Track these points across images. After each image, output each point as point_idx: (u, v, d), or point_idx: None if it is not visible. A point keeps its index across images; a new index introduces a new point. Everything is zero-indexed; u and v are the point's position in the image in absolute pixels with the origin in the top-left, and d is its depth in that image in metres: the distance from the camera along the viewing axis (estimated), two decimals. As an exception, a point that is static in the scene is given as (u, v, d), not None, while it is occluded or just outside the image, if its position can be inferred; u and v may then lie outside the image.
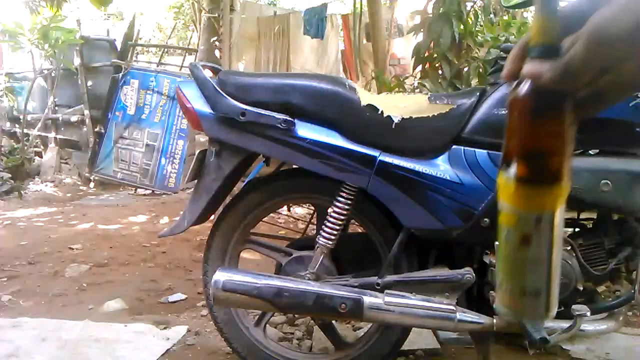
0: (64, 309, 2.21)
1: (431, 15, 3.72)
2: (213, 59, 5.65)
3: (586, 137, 1.28)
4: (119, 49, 5.74)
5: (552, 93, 0.42)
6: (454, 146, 1.33)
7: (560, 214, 0.45)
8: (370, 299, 1.31)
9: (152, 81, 5.27)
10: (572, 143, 0.43)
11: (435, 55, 3.68)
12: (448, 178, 1.31)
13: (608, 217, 1.37)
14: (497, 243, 0.49)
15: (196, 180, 1.50)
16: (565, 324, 1.28)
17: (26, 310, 2.16)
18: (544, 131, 0.43)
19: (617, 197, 1.24)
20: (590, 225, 1.42)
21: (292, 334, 1.93)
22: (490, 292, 1.34)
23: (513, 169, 0.44)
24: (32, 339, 1.84)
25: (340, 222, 1.41)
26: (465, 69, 3.65)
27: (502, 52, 1.53)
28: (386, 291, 1.34)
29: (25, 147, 5.61)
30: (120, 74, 5.32)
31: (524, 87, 0.43)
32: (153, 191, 5.35)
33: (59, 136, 5.94)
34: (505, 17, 4.34)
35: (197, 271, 2.57)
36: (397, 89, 3.92)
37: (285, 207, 2.02)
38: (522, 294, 0.47)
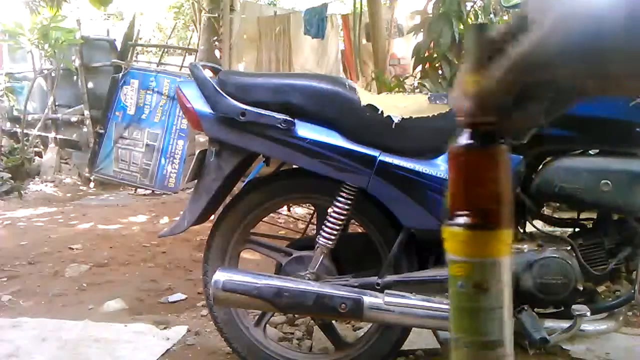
0: (64, 309, 2.21)
1: (431, 15, 3.72)
2: (213, 59, 5.64)
3: (586, 137, 1.28)
4: (119, 49, 5.74)
5: (486, 136, 0.44)
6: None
7: (509, 261, 0.46)
8: (370, 299, 1.31)
9: (152, 81, 5.27)
10: (510, 188, 0.45)
11: (435, 55, 3.68)
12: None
13: (608, 217, 1.37)
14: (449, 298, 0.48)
15: (196, 180, 1.50)
16: (565, 324, 1.29)
17: (26, 310, 2.16)
18: (487, 178, 0.44)
19: (617, 197, 1.24)
20: (590, 225, 1.42)
21: (292, 334, 1.93)
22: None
23: (462, 219, 0.44)
24: (32, 339, 1.84)
25: (340, 222, 1.41)
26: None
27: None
28: (386, 291, 1.34)
29: (25, 147, 5.61)
30: (120, 74, 5.31)
31: (461, 138, 0.45)
32: (153, 191, 5.35)
33: (59, 136, 5.94)
34: (505, 17, 4.34)
35: (197, 271, 2.56)
36: (397, 89, 3.92)
37: (285, 207, 2.02)
38: (484, 347, 0.45)
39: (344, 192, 1.39)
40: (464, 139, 0.45)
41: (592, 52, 0.34)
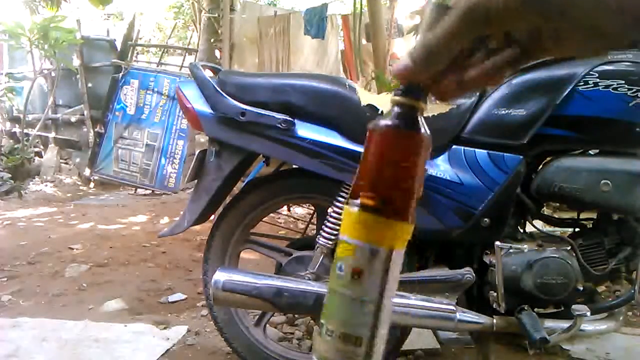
0: (64, 309, 2.21)
1: (431, 15, 3.71)
2: (213, 59, 5.65)
3: (586, 137, 1.28)
4: (119, 49, 5.74)
5: (410, 119, 0.43)
6: (454, 146, 1.33)
7: (399, 257, 0.43)
8: (370, 299, 1.31)
9: (152, 81, 5.27)
10: (422, 183, 0.43)
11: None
12: (448, 178, 1.31)
13: (608, 217, 1.37)
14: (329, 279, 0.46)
15: (196, 180, 1.50)
16: (565, 324, 1.28)
17: (26, 310, 2.16)
18: (400, 162, 0.42)
19: (617, 197, 1.24)
20: (590, 225, 1.42)
21: (292, 334, 1.93)
22: (491, 292, 1.34)
23: (361, 200, 0.42)
24: (32, 339, 1.84)
25: (340, 222, 1.41)
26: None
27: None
28: (386, 291, 1.34)
29: (25, 147, 5.62)
30: (120, 74, 5.32)
31: (386, 119, 0.44)
32: (153, 191, 5.35)
33: (58, 136, 5.94)
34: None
35: (197, 271, 2.57)
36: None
37: (285, 207, 2.02)
38: (345, 340, 0.43)
39: (344, 192, 1.39)
40: (388, 119, 0.43)
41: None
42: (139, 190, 5.46)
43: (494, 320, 1.32)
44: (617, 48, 0.59)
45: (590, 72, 1.23)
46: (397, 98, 0.43)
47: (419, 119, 0.43)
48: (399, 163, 0.42)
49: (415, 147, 0.43)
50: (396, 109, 0.43)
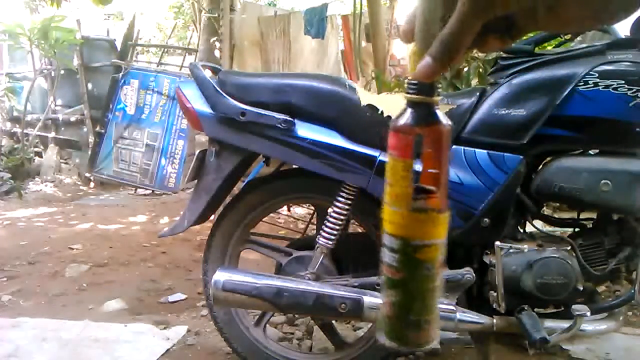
0: (64, 309, 2.21)
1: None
2: (213, 59, 5.65)
3: (586, 137, 1.28)
4: (119, 49, 5.74)
5: (421, 110, 0.44)
6: (454, 146, 1.33)
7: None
8: (370, 299, 1.31)
9: (152, 81, 5.27)
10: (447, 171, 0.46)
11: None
12: (448, 178, 1.31)
13: (608, 217, 1.37)
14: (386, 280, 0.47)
15: (196, 180, 1.50)
16: (565, 324, 1.28)
17: (26, 310, 2.16)
18: (442, 160, 0.45)
19: (617, 197, 1.24)
20: (590, 225, 1.42)
21: (292, 334, 1.93)
22: (491, 292, 1.34)
23: (425, 203, 0.44)
24: (32, 339, 1.84)
25: (340, 222, 1.41)
26: (465, 69, 3.65)
27: (502, 52, 1.53)
28: (386, 291, 1.34)
29: (25, 147, 5.61)
30: (120, 74, 5.31)
31: (403, 117, 0.44)
32: (153, 191, 5.35)
33: (58, 136, 5.94)
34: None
35: (197, 271, 2.57)
36: (397, 89, 3.92)
37: (285, 207, 2.02)
38: (434, 321, 0.47)
39: (344, 192, 1.39)
40: (407, 116, 0.44)
41: None
42: (139, 190, 5.45)
43: (494, 320, 1.33)
44: (608, 23, 0.61)
45: (590, 72, 1.23)
46: (415, 97, 0.44)
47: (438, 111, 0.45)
48: (442, 158, 0.44)
49: (447, 139, 0.45)
50: (415, 107, 0.44)
